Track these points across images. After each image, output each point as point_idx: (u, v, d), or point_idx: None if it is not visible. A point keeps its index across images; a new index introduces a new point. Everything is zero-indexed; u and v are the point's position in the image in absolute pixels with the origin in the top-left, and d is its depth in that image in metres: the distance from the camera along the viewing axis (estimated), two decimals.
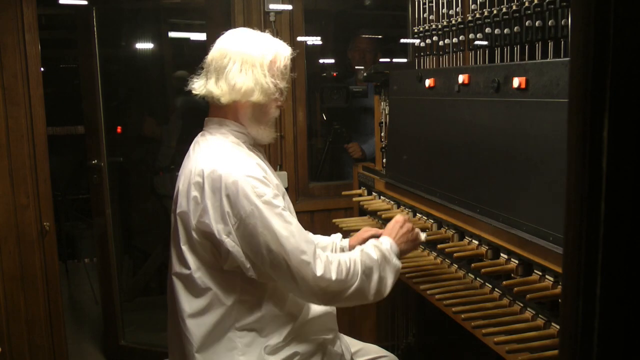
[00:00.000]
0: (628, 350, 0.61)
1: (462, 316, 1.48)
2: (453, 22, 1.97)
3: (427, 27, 2.14)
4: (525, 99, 1.49)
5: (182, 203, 1.56)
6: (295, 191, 2.75)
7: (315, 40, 3.31)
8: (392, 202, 2.25)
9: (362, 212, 2.50)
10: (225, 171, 1.50)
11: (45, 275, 2.50)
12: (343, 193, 2.62)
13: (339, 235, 2.02)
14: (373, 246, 1.64)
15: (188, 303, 1.57)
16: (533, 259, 1.42)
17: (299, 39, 2.73)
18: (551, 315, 1.38)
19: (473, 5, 1.87)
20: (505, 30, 1.71)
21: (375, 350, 1.90)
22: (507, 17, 1.70)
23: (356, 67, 3.32)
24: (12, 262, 2.42)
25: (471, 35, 1.87)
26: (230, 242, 1.49)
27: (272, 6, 2.62)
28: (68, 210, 4.96)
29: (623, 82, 0.57)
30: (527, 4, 1.62)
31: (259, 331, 1.58)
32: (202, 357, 1.55)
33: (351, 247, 1.99)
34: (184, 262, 1.57)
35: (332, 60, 3.82)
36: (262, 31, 1.66)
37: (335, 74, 3.48)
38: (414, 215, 2.06)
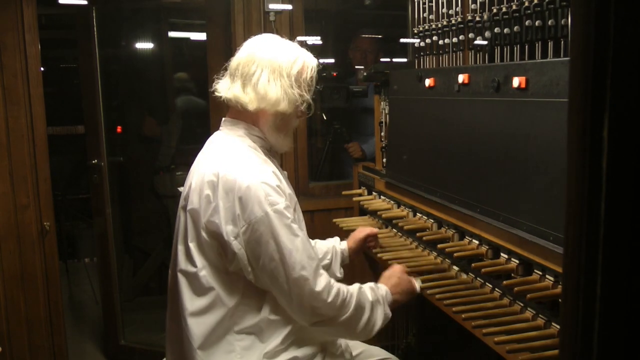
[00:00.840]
0: (628, 350, 0.61)
1: (463, 316, 1.48)
2: (453, 21, 1.97)
3: (427, 27, 2.14)
4: (525, 98, 1.49)
5: (194, 200, 1.55)
6: (295, 191, 2.74)
7: (315, 40, 3.31)
8: (392, 202, 2.25)
9: (363, 211, 2.50)
10: (241, 174, 1.50)
11: (46, 275, 2.50)
12: (343, 193, 2.62)
13: (336, 239, 2.02)
14: (370, 288, 1.68)
15: (190, 301, 1.57)
16: (533, 259, 1.42)
17: (299, 38, 2.72)
18: (551, 315, 1.38)
19: (473, 5, 1.87)
20: (505, 30, 1.71)
21: (378, 352, 1.89)
22: (507, 16, 1.70)
23: (356, 67, 3.32)
24: (12, 262, 2.42)
25: (471, 35, 1.87)
26: (237, 245, 1.50)
27: (272, 6, 2.62)
28: (68, 210, 4.96)
29: (623, 82, 0.57)
30: (527, 4, 1.62)
31: (257, 335, 1.57)
32: (203, 355, 1.55)
33: (348, 249, 1.99)
34: (190, 260, 1.57)
35: (332, 60, 3.82)
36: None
37: (335, 74, 3.48)
38: (414, 215, 2.06)
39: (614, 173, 0.58)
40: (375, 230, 2.06)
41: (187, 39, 4.03)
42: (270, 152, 1.67)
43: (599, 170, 0.58)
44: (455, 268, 1.77)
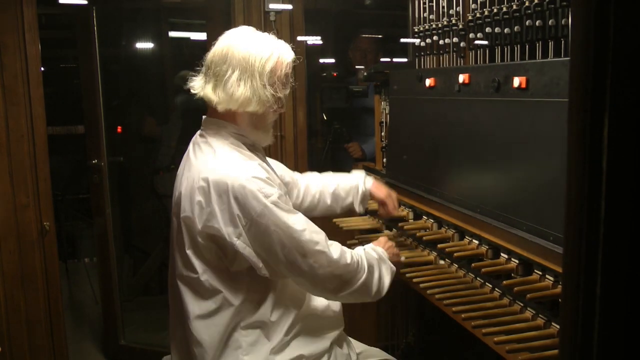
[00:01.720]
0: (628, 350, 0.61)
1: (462, 316, 1.48)
2: (453, 21, 1.97)
3: (427, 27, 2.14)
4: (526, 98, 1.49)
5: (186, 207, 1.54)
6: None
7: (315, 40, 3.31)
8: None
9: None
10: (231, 175, 1.49)
11: (46, 275, 2.50)
12: None
13: (362, 175, 2.07)
14: (371, 248, 1.73)
15: (196, 305, 1.56)
16: (533, 259, 1.42)
17: (299, 38, 2.73)
18: (551, 315, 1.37)
19: (473, 5, 1.87)
20: (506, 30, 1.71)
21: (378, 353, 1.90)
22: (507, 16, 1.70)
23: (356, 67, 3.32)
24: (12, 262, 2.42)
25: (471, 35, 1.87)
26: (242, 244, 1.49)
27: (272, 6, 2.62)
28: (68, 210, 4.96)
29: (623, 82, 0.57)
30: (527, 4, 1.62)
31: (262, 328, 1.58)
32: (213, 356, 1.55)
33: (370, 194, 2.04)
34: (189, 267, 1.56)
35: (332, 60, 3.82)
36: (262, 32, 1.64)
37: (335, 74, 3.48)
38: (414, 215, 2.06)
39: (614, 173, 0.58)
40: (393, 195, 2.06)
41: (187, 39, 4.03)
42: (253, 146, 1.66)
43: (599, 170, 0.58)
44: (455, 266, 1.77)
